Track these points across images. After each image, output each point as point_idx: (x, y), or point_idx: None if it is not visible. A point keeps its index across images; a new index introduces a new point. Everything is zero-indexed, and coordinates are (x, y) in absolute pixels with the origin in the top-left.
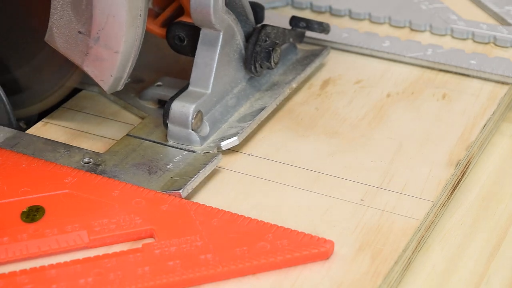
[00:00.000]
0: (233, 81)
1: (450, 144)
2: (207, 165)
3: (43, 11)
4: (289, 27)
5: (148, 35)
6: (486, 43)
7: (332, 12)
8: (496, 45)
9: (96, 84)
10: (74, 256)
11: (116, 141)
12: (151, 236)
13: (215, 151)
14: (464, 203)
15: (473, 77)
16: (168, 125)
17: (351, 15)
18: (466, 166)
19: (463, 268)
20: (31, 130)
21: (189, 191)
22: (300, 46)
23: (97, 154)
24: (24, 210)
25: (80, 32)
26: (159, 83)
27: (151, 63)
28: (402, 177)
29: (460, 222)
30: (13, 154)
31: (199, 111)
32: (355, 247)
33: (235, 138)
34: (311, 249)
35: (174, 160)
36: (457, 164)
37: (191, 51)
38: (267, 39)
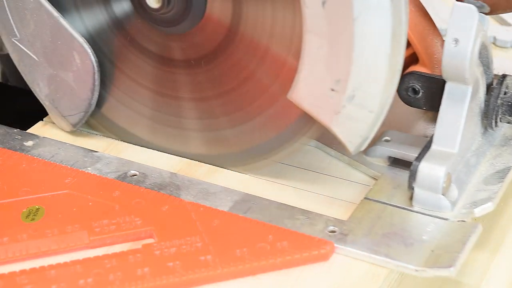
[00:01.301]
0: (473, 137)
1: None
2: (470, 237)
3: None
4: None
5: None
6: None
7: None
8: (496, 45)
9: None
10: (74, 256)
11: (356, 205)
12: (151, 237)
13: (469, 219)
14: None
15: None
16: (415, 188)
17: None
18: None
19: (463, 268)
20: (32, 130)
21: (458, 268)
22: None
23: (340, 221)
24: (24, 210)
25: (332, 90)
26: (386, 138)
27: None
28: None
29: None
30: (14, 154)
31: (448, 173)
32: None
33: (490, 203)
34: (311, 251)
35: (427, 229)
36: None
37: (426, 104)
38: (507, 90)
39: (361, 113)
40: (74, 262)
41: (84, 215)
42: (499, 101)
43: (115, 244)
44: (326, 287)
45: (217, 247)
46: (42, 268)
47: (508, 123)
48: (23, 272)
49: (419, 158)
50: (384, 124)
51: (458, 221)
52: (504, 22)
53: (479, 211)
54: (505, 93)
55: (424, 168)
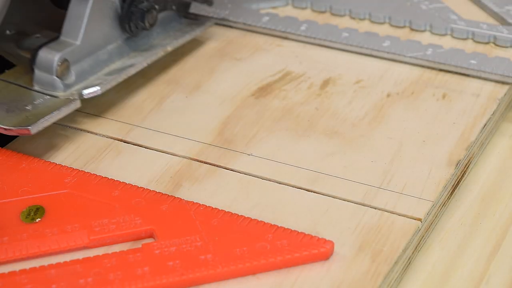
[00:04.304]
0: (107, 38)
1: (450, 144)
2: (63, 108)
3: None
4: None
5: None
6: (486, 43)
7: (332, 12)
8: (496, 45)
9: None
10: (74, 256)
11: None
12: (151, 236)
13: (76, 97)
14: (464, 203)
15: (473, 77)
16: (35, 70)
17: (351, 14)
18: (466, 166)
19: (463, 268)
20: None
21: (39, 129)
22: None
23: None
24: (24, 210)
25: None
26: (37, 35)
27: (36, 17)
28: (402, 177)
29: (460, 222)
30: (13, 154)
31: (65, 59)
32: (355, 247)
33: (98, 87)
34: (311, 250)
35: (35, 102)
36: (457, 164)
37: (63, 3)
38: (144, 0)
39: None
40: (74, 262)
41: (84, 215)
42: (133, 8)
43: (115, 243)
44: (326, 286)
45: (217, 246)
46: (42, 267)
47: (143, 29)
48: (23, 271)
49: (42, 45)
50: (51, 26)
51: (66, 98)
52: (504, 22)
53: (86, 93)
54: (142, 2)
55: (43, 52)
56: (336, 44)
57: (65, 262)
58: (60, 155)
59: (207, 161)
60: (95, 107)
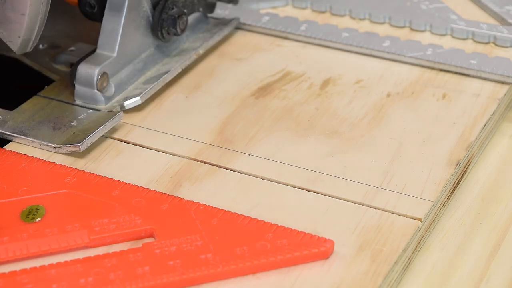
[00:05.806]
0: (141, 47)
1: (450, 144)
2: (108, 122)
3: None
4: None
5: (62, 2)
6: (486, 43)
7: (332, 12)
8: (496, 45)
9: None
10: (74, 255)
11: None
12: (151, 236)
13: (118, 109)
14: (464, 203)
15: (473, 77)
16: (76, 85)
17: (351, 14)
18: (466, 166)
19: (463, 268)
20: None
21: (88, 145)
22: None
23: (6, 111)
24: (24, 210)
25: None
26: (72, 48)
27: (67, 30)
28: (402, 177)
29: (460, 222)
30: (13, 154)
31: (104, 73)
32: (355, 247)
33: (138, 98)
34: (311, 249)
35: (79, 117)
36: (457, 164)
37: (102, 17)
38: (174, 7)
39: (14, 16)
40: (75, 261)
41: (84, 214)
42: (164, 15)
43: (115, 243)
44: (326, 286)
45: (217, 246)
46: (43, 267)
47: (175, 35)
48: (23, 271)
49: (80, 60)
50: (84, 39)
51: (108, 111)
52: (504, 22)
53: (127, 104)
54: (172, 9)
55: (82, 67)
56: (336, 44)
57: (65, 262)
58: (60, 155)
59: (207, 161)
60: None
